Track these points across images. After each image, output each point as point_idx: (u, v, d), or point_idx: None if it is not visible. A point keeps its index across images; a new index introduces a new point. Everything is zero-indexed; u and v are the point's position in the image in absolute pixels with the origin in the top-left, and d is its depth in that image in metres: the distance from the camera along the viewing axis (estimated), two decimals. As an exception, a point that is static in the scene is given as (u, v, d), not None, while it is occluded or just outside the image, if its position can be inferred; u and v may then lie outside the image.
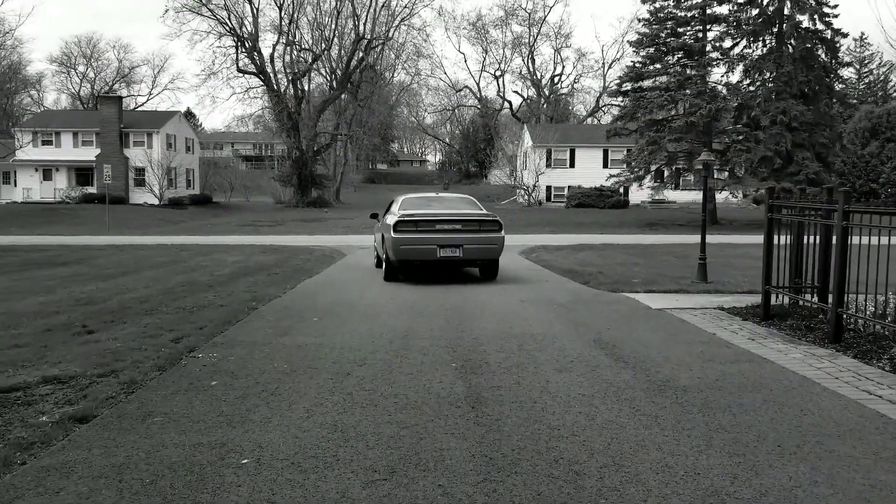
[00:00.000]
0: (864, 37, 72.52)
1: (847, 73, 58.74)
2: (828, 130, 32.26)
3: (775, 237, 7.64)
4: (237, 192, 61.19)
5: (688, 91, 31.44)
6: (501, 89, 75.66)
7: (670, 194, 44.79)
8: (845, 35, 31.95)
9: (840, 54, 33.47)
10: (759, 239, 25.67)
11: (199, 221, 39.42)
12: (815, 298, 7.22)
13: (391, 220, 11.07)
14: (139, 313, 8.29)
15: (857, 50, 72.66)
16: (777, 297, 7.56)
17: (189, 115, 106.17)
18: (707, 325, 7.26)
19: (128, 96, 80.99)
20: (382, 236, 11.76)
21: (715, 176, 33.31)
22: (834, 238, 6.14)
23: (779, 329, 6.94)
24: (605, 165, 47.67)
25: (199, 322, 7.49)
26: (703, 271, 10.50)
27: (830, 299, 7.09)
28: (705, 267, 10.56)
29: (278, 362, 5.67)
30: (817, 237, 7.20)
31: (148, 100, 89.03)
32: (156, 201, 46.19)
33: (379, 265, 13.44)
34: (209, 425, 4.11)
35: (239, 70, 49.61)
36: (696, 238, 26.03)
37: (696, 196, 46.01)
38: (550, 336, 6.66)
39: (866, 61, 74.63)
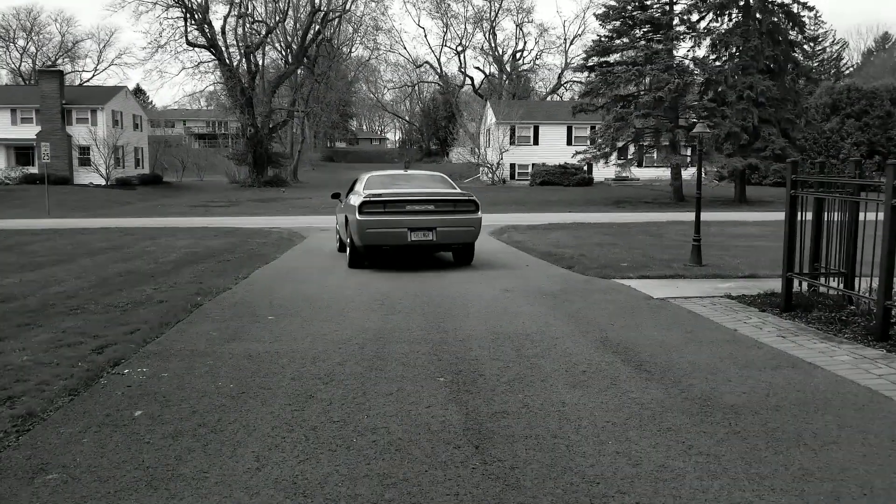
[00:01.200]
0: (817, 15, 72.98)
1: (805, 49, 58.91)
2: (793, 105, 31.99)
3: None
4: (190, 171, 58.77)
5: (655, 65, 30.70)
6: (463, 65, 74.31)
7: (634, 171, 44.40)
8: (811, 8, 31.59)
9: (805, 29, 33.09)
10: (731, 216, 25.34)
11: (149, 202, 37.43)
12: (841, 285, 6.41)
13: (356, 200, 9.94)
14: (62, 313, 7.03)
15: (812, 28, 73.21)
16: (798, 284, 6.72)
17: (138, 91, 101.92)
18: (723, 318, 6.37)
19: (72, 72, 77.21)
20: (346, 219, 10.62)
21: (681, 153, 32.85)
22: (882, 217, 5.28)
23: (806, 322, 6.08)
24: (570, 143, 46.96)
25: (132, 324, 6.29)
26: (697, 254, 9.65)
27: (858, 286, 6.29)
28: (700, 249, 9.70)
29: (223, 380, 4.55)
30: (839, 215, 6.38)
31: (94, 76, 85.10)
32: (102, 182, 43.83)
33: (342, 249, 12.29)
34: (121, 488, 3.00)
35: (188, 43, 47.24)
36: (666, 216, 25.77)
37: (659, 173, 45.73)
38: (550, 336, 5.68)
39: (819, 39, 75.32)
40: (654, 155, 41.66)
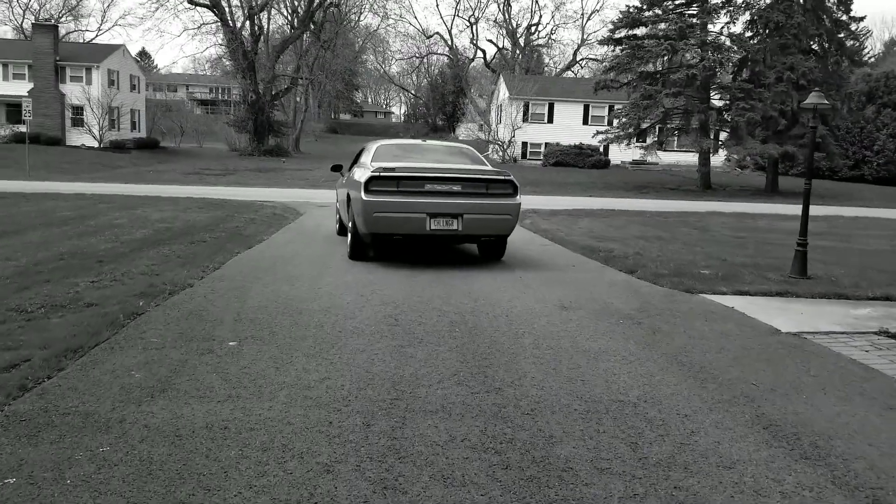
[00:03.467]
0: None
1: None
2: (835, 90, 29.62)
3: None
4: (189, 137, 56.43)
5: (690, 40, 28.32)
6: (475, 37, 71.64)
7: (653, 155, 42.09)
8: (860, -16, 29.13)
9: (851, 7, 30.59)
10: (771, 208, 23.09)
11: (141, 167, 35.26)
12: None
13: (361, 175, 7.83)
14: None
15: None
16: None
17: (143, 55, 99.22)
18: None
19: (74, 31, 74.15)
20: (348, 197, 8.53)
21: (711, 137, 30.56)
22: None
23: None
24: (586, 122, 44.61)
25: (24, 347, 4.24)
26: (802, 262, 7.49)
27: None
28: (805, 256, 7.53)
29: None
30: None
31: (97, 36, 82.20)
32: (95, 144, 41.63)
33: (342, 232, 10.20)
34: None
35: (190, 1, 44.65)
36: (699, 205, 23.51)
37: (679, 157, 43.47)
38: (672, 410, 3.50)
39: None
40: (675, 139, 39.42)
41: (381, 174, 7.50)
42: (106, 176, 29.20)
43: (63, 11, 78.57)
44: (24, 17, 78.00)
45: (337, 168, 10.76)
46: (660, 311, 5.87)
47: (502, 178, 7.86)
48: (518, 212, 7.92)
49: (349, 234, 8.33)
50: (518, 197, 7.95)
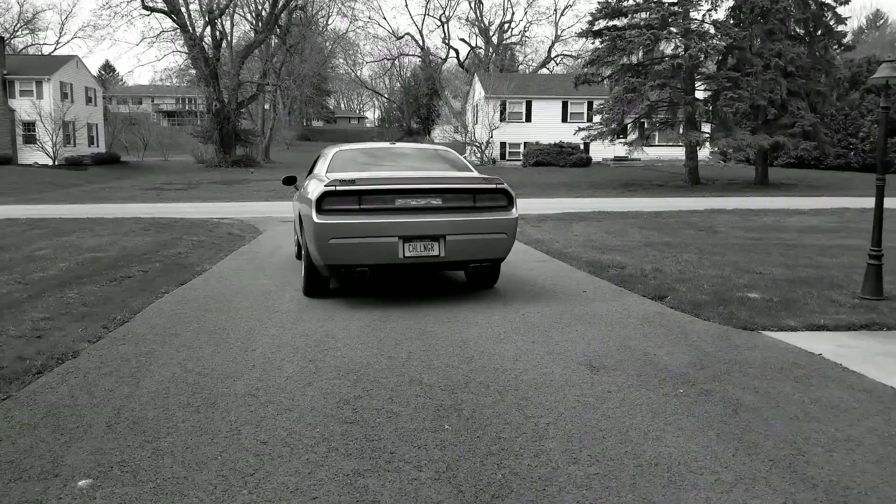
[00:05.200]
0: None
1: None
2: (824, 76, 28.43)
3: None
4: (154, 150, 54.13)
5: (673, 29, 26.93)
6: (447, 37, 70.15)
7: (636, 151, 40.78)
8: (844, -36, 27.94)
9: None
10: (771, 202, 21.50)
11: (98, 185, 33.12)
12: None
13: (314, 190, 6.11)
14: None
15: None
16: None
17: (107, 67, 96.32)
18: None
19: (32, 45, 71.24)
20: (300, 218, 6.81)
21: (701, 129, 29.17)
22: None
23: None
24: (565, 119, 43.19)
25: None
26: (877, 279, 5.85)
27: None
28: (881, 272, 5.90)
29: None
30: None
31: (56, 49, 79.51)
32: (49, 161, 39.32)
33: (301, 256, 8.45)
34: None
35: (145, 7, 42.45)
36: (694, 202, 21.81)
37: (661, 153, 42.18)
38: None
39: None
40: (657, 133, 38.17)
41: (338, 188, 5.77)
42: (54, 196, 27.07)
43: (18, 25, 75.72)
44: (-23, 33, 75.06)
45: (290, 181, 9.00)
46: (725, 368, 4.21)
47: (493, 186, 6.17)
48: (515, 228, 6.25)
49: (303, 265, 6.59)
50: (514, 210, 6.27)
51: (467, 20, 64.82)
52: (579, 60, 59.37)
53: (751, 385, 3.87)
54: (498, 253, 6.23)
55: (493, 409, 3.53)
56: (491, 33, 63.92)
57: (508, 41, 64.59)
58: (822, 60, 28.30)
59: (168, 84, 78.47)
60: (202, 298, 6.57)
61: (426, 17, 76.00)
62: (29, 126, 40.47)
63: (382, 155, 7.43)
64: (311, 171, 7.85)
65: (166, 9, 42.33)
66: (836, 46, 28.63)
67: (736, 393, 3.74)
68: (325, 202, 5.78)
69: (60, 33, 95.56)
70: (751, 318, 5.35)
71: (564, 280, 7.54)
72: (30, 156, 40.03)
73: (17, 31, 74.90)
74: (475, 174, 6.71)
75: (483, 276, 6.74)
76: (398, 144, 7.77)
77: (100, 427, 3.39)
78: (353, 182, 5.82)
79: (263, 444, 3.16)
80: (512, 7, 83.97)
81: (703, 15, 28.16)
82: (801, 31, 28.45)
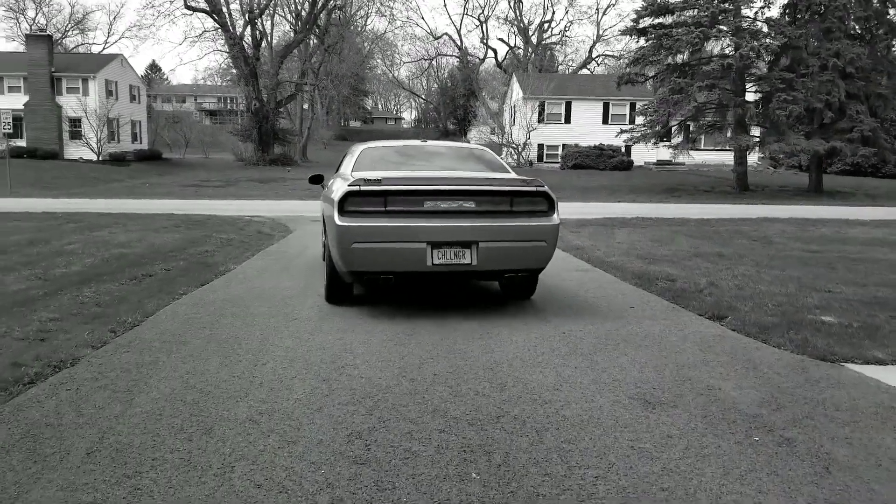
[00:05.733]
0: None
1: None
2: (886, 78, 26.99)
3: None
4: (196, 148, 54.80)
5: (723, 27, 25.92)
6: (485, 36, 69.56)
7: (680, 155, 39.64)
8: (909, -38, 26.54)
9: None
10: (827, 211, 20.28)
11: (139, 180, 33.42)
12: None
13: (337, 189, 5.65)
14: None
15: None
16: None
17: (154, 67, 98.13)
18: None
19: (82, 44, 72.86)
20: (324, 219, 6.37)
21: (750, 132, 28.03)
22: None
23: None
24: (606, 121, 42.24)
25: None
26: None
27: None
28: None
29: None
30: None
31: (104, 49, 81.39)
32: (94, 157, 39.94)
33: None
34: None
35: (187, 7, 42.85)
36: (745, 210, 20.67)
37: (706, 157, 40.89)
38: None
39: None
40: (703, 137, 36.97)
41: (362, 188, 5.28)
42: (96, 191, 27.34)
43: (70, 25, 77.55)
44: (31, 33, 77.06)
45: (317, 180, 8.57)
46: (807, 410, 3.59)
47: (533, 188, 5.61)
48: (556, 236, 5.68)
49: (325, 269, 6.12)
50: (555, 215, 5.70)
51: (506, 20, 64.20)
52: (621, 61, 58.22)
53: (841, 434, 3.24)
54: (536, 263, 5.67)
55: (529, 454, 2.99)
56: (530, 33, 63.14)
57: (548, 41, 63.74)
58: (883, 61, 26.92)
59: (210, 83, 79.57)
60: (220, 302, 6.16)
61: (464, 16, 75.71)
62: (75, 122, 41.18)
63: (413, 153, 6.92)
64: (337, 170, 7.41)
65: (207, 8, 42.66)
66: (897, 47, 27.21)
67: (825, 444, 3.12)
68: (349, 203, 5.30)
69: (109, 33, 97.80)
70: (829, 348, 4.68)
71: (609, 293, 6.94)
72: (75, 151, 40.73)
73: (68, 31, 76.82)
74: (512, 175, 6.16)
75: (519, 286, 6.18)
76: (430, 143, 7.25)
77: (78, 454, 2.95)
78: (378, 182, 5.32)
79: (257, 487, 2.68)
80: (552, 6, 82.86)
81: (756, 12, 27.06)
82: (861, 30, 27.15)
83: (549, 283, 7.25)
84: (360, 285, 6.02)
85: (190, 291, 6.61)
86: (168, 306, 5.92)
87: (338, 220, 5.28)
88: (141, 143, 47.27)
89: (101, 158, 39.89)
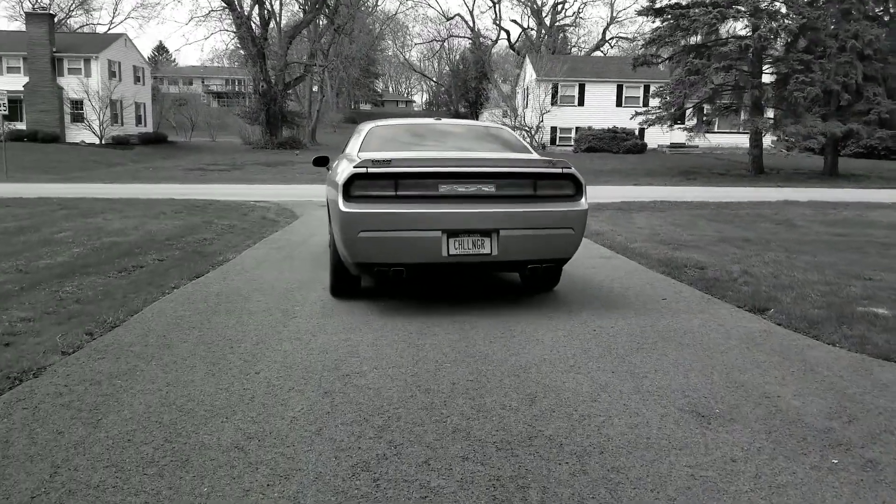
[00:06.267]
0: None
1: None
2: (904, 60, 26.13)
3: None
4: (202, 131, 54.18)
5: (741, 7, 25.08)
6: (498, 17, 68.40)
7: (693, 137, 38.83)
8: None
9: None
10: (847, 194, 19.53)
11: (143, 164, 32.97)
12: None
13: (342, 171, 5.11)
14: None
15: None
16: None
17: (161, 49, 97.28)
18: None
19: (86, 25, 72.13)
20: (328, 205, 5.85)
21: (765, 115, 27.26)
22: None
23: None
24: (619, 104, 41.42)
25: None
26: None
27: None
28: None
29: None
30: None
31: (109, 29, 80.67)
32: (96, 140, 39.46)
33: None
34: None
35: (193, -14, 42.06)
36: (764, 193, 19.92)
37: (720, 140, 40.03)
38: None
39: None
40: (716, 120, 36.14)
41: (370, 170, 4.75)
42: (97, 175, 26.87)
43: (73, 4, 76.75)
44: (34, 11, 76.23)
45: (321, 162, 8.03)
46: (884, 422, 3.06)
47: (559, 170, 5.05)
48: (584, 223, 5.13)
49: (331, 262, 5.60)
50: (583, 200, 5.15)
51: (520, 0, 63.00)
52: (635, 43, 57.15)
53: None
54: (562, 252, 5.13)
55: (571, 488, 2.48)
56: (544, 14, 62.06)
57: (561, 22, 62.61)
58: (904, 42, 26.07)
59: (217, 65, 78.72)
60: (214, 297, 5.66)
61: (476, -3, 74.16)
62: (77, 104, 40.66)
63: (425, 133, 6.36)
64: (343, 151, 6.87)
65: (214, -13, 41.90)
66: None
67: None
68: (355, 187, 4.77)
69: (114, 13, 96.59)
70: (891, 345, 4.15)
71: (636, 283, 6.40)
72: (77, 134, 40.25)
73: (72, 10, 76.01)
74: (535, 156, 5.61)
75: (541, 278, 5.65)
76: (443, 120, 6.67)
77: (20, 499, 2.44)
78: (388, 163, 4.78)
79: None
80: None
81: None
82: (881, 11, 26.28)
83: (572, 272, 6.72)
84: (368, 277, 5.50)
85: (182, 285, 6.10)
86: (156, 302, 5.42)
87: (342, 206, 4.74)
88: (145, 125, 46.75)
89: (103, 142, 39.41)
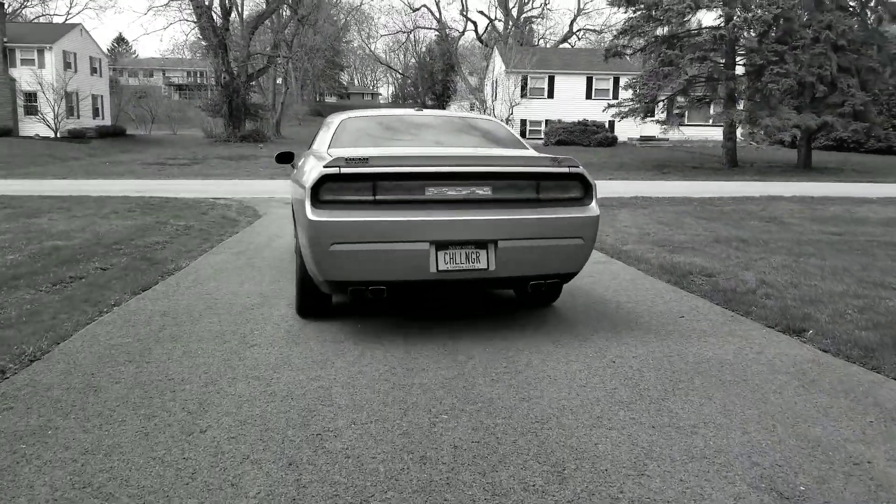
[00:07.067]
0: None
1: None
2: (877, 51, 26.05)
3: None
4: (162, 123, 52.35)
5: (715, -5, 24.67)
6: (465, 8, 67.61)
7: (658, 131, 38.59)
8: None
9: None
10: (824, 188, 19.29)
11: (99, 159, 31.43)
12: None
13: (310, 171, 4.29)
14: None
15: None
16: None
17: (120, 40, 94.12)
18: None
19: (42, 15, 69.22)
20: (293, 211, 5.03)
21: (739, 107, 26.95)
22: None
23: None
24: (589, 96, 41.00)
25: None
26: None
27: None
28: None
29: None
30: None
31: (66, 20, 77.68)
32: (51, 133, 37.69)
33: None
34: None
35: (151, -28, 40.42)
36: (743, 187, 19.45)
37: (691, 133, 39.86)
38: None
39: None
40: (686, 112, 35.94)
41: (343, 170, 3.94)
42: (51, 170, 25.42)
43: (28, -6, 73.69)
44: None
45: (285, 158, 7.16)
46: None
47: (565, 169, 4.32)
48: (595, 231, 4.40)
49: (297, 278, 4.78)
50: (594, 204, 4.42)
51: (486, -8, 62.16)
52: (602, 35, 56.86)
53: None
54: (570, 266, 4.39)
55: None
56: (511, 5, 61.34)
57: (529, 14, 62.02)
58: (874, 34, 25.97)
59: (179, 57, 76.29)
60: (159, 317, 4.80)
61: (443, -12, 73.17)
62: (30, 97, 38.82)
63: (405, 126, 5.52)
64: (310, 146, 6.03)
65: (173, -26, 40.32)
66: (888, 17, 26.20)
67: None
68: (325, 190, 3.96)
69: (71, 4, 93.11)
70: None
71: (644, 295, 5.70)
72: (31, 127, 38.42)
73: (27, 1, 72.99)
74: (535, 153, 4.85)
75: (544, 292, 4.90)
76: (426, 112, 5.85)
77: None
78: (364, 161, 3.97)
79: None
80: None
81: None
82: (853, 1, 26.14)
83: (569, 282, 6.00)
84: (331, 295, 4.68)
85: (123, 302, 5.23)
86: (89, 325, 4.55)
87: (310, 214, 3.93)
88: (103, 118, 44.92)
89: (59, 135, 37.66)
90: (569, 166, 4.31)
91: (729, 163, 27.56)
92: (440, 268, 4.05)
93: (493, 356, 3.97)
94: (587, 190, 4.39)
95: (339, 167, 3.94)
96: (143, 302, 5.26)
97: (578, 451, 2.75)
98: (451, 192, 4.07)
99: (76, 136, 37.99)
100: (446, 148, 4.89)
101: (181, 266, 6.84)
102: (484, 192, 4.13)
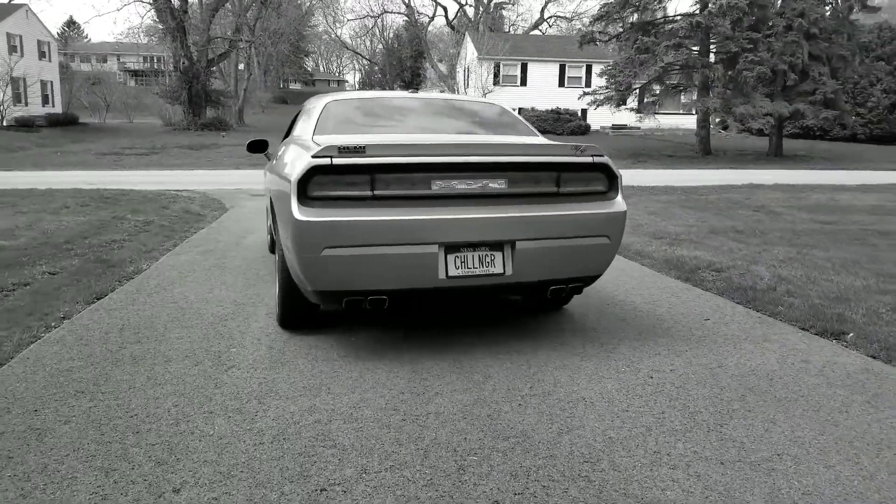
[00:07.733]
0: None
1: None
2: (846, 39, 26.17)
3: None
4: (118, 111, 50.44)
5: (690, -18, 24.41)
6: (433, -6, 66.35)
7: (631, 120, 38.40)
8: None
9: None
10: (800, 176, 19.20)
11: (50, 149, 30.00)
12: None
13: (294, 162, 3.67)
14: None
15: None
16: None
17: (71, 24, 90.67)
18: None
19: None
20: (272, 204, 4.41)
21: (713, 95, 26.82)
22: None
23: None
24: (562, 84, 40.64)
25: None
26: None
27: None
28: None
29: None
30: None
31: (10, 1, 74.39)
32: (-3, 122, 35.90)
33: (274, 249, 5.83)
34: None
35: (104, -47, 38.71)
36: (721, 175, 19.26)
37: (662, 121, 39.80)
38: None
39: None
40: (661, 100, 35.83)
41: (335, 161, 3.34)
42: (-2, 160, 24.06)
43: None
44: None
45: (258, 147, 6.46)
46: None
47: (589, 159, 3.78)
48: (622, 228, 3.88)
49: (277, 279, 4.16)
50: (619, 197, 3.90)
51: (455, -23, 61.29)
52: (573, 22, 56.56)
53: None
54: (594, 269, 3.87)
55: None
56: (479, -9, 60.49)
57: (498, 0, 61.29)
58: (844, 22, 26.07)
59: (135, 41, 73.69)
60: (116, 333, 4.15)
61: (410, -27, 72.03)
62: (-25, 82, 36.87)
63: (399, 110, 4.88)
64: (288, 134, 5.38)
65: (128, -45, 38.62)
66: (858, 7, 26.31)
67: None
68: (315, 184, 3.35)
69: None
70: None
71: (657, 294, 5.23)
72: (-24, 115, 36.55)
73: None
74: (551, 141, 4.31)
75: (563, 297, 4.36)
76: (421, 94, 5.22)
77: None
78: (361, 150, 3.37)
79: None
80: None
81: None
82: (824, -10, 26.19)
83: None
84: (319, 305, 4.08)
85: (75, 313, 4.55)
86: (34, 345, 3.88)
87: (297, 213, 3.32)
88: (53, 105, 43.03)
89: (5, 123, 35.88)
90: (592, 155, 3.77)
91: (702, 151, 27.47)
92: (450, 273, 3.49)
93: (514, 374, 3.42)
94: (612, 182, 3.87)
95: (331, 157, 3.33)
96: (98, 314, 4.59)
97: (645, 503, 2.23)
98: (462, 187, 3.50)
99: (24, 124, 36.25)
100: (454, 135, 4.31)
101: (142, 268, 6.14)
102: (499, 185, 3.57)
